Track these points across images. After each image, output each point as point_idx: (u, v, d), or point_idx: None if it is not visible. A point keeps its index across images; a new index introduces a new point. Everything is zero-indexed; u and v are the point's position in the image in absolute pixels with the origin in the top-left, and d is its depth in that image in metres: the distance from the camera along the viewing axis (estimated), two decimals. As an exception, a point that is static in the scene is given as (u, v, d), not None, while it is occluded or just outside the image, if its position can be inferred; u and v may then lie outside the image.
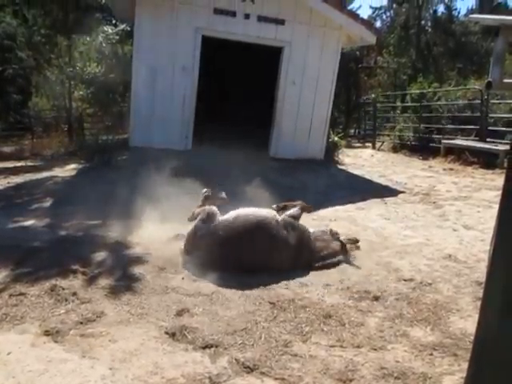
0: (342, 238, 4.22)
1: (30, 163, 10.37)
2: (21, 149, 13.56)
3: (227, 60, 12.57)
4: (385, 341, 2.85)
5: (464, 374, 2.38)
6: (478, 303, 3.11)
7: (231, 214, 3.98)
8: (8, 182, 7.75)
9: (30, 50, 15.39)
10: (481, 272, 3.88)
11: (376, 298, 3.43)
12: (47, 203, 6.29)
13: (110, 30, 17.55)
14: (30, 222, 5.21)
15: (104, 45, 16.41)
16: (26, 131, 15.47)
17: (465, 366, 2.45)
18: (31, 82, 16.22)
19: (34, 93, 16.74)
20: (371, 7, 29.42)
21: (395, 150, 12.43)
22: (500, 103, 11.04)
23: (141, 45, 8.60)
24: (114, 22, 17.27)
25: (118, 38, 17.03)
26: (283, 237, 3.87)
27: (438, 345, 2.81)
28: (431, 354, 2.72)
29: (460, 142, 10.30)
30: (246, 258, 3.73)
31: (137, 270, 3.81)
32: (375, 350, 2.75)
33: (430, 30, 25.11)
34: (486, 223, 5.42)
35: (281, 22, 8.87)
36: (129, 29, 15.86)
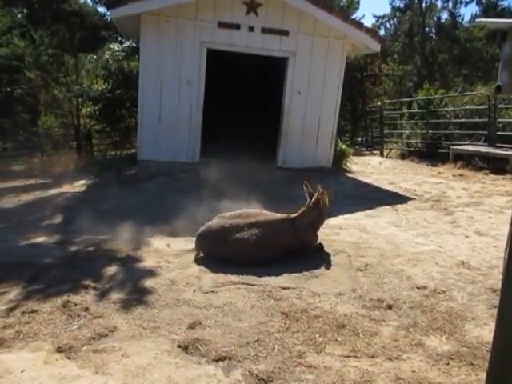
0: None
1: (39, 181, 10.46)
2: (30, 167, 13.70)
3: (230, 72, 12.70)
4: (400, 350, 2.81)
5: None
6: (494, 311, 3.07)
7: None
8: (19, 200, 7.82)
9: (37, 69, 15.62)
10: (495, 279, 3.82)
11: (389, 307, 3.39)
12: (58, 220, 6.34)
13: (116, 47, 17.80)
14: (41, 239, 5.24)
15: (110, 62, 16.61)
16: (35, 149, 15.64)
17: (482, 375, 2.41)
18: (40, 100, 16.44)
19: (43, 111, 16.96)
20: (374, 16, 29.57)
21: (403, 157, 12.38)
22: (508, 108, 10.97)
23: (146, 60, 8.70)
24: (119, 39, 17.50)
25: (124, 54, 17.25)
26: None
27: (455, 354, 2.76)
28: (448, 364, 2.67)
29: (469, 147, 10.22)
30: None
31: (148, 283, 3.81)
32: (390, 359, 2.71)
33: (434, 36, 25.16)
34: (499, 229, 5.36)
35: (285, 33, 8.93)
36: (134, 45, 16.08)
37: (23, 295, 3.57)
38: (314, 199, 4.63)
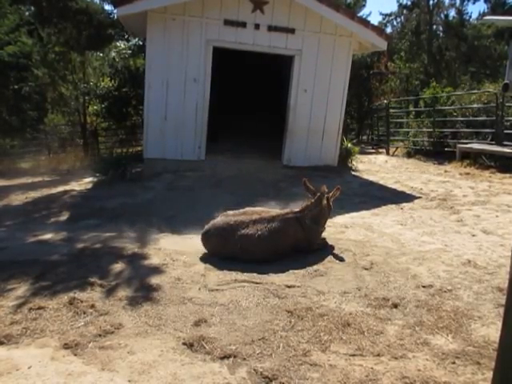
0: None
1: (46, 178, 10.52)
2: (38, 165, 13.78)
3: (235, 70, 12.71)
4: (405, 349, 2.80)
5: (488, 383, 2.33)
6: (500, 310, 3.06)
7: None
8: (26, 198, 7.87)
9: (45, 67, 15.68)
10: (502, 278, 3.80)
11: (395, 306, 3.38)
12: (64, 217, 6.37)
13: (122, 45, 17.85)
14: (48, 236, 5.28)
15: (117, 60, 16.66)
16: (42, 147, 15.73)
17: (489, 374, 2.40)
18: (47, 98, 16.51)
19: (50, 109, 17.03)
20: (381, 14, 29.38)
21: (409, 155, 12.31)
22: (515, 106, 10.86)
23: (153, 58, 8.71)
24: (126, 36, 17.52)
25: (130, 52, 17.28)
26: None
27: (461, 353, 2.75)
28: (454, 363, 2.66)
29: (476, 145, 10.15)
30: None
31: (154, 280, 3.82)
32: (396, 358, 2.70)
33: (441, 34, 24.98)
34: (506, 228, 5.33)
35: (291, 30, 8.90)
36: (141, 43, 16.11)
37: (30, 292, 3.60)
38: (316, 196, 4.65)
